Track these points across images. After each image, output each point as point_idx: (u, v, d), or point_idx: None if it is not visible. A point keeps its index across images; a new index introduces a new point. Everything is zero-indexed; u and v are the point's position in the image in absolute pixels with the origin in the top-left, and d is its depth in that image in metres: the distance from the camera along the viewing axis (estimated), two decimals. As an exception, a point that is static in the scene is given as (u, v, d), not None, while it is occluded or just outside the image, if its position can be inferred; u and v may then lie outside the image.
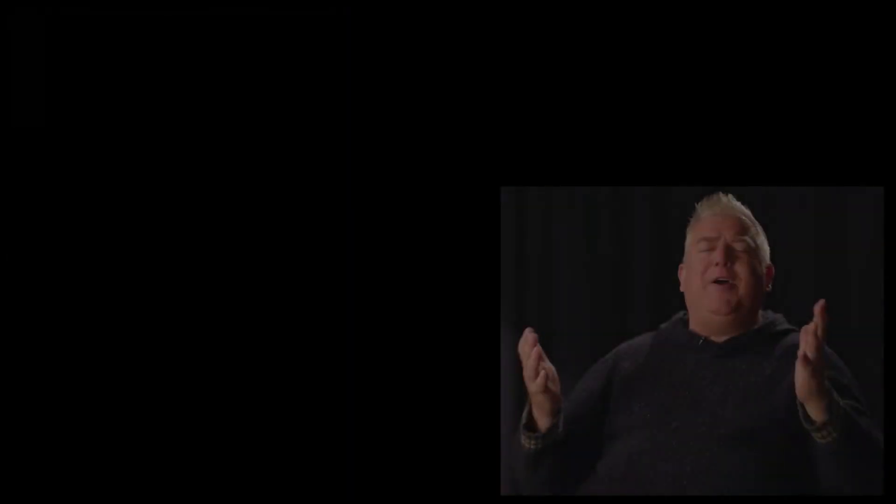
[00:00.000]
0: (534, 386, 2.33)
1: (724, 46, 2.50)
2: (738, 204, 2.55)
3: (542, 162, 2.53)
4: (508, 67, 2.51)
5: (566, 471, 2.44)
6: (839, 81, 2.49)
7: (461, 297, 2.50)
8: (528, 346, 2.33)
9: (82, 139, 2.49)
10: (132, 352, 2.51)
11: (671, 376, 2.46)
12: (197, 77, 2.48)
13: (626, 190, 3.26)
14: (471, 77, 2.51)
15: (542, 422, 2.39)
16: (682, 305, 2.57)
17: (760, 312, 2.53)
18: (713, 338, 2.48)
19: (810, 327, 2.18)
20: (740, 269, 2.46)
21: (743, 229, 2.50)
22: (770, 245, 3.08)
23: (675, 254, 2.60)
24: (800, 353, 2.17)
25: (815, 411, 2.19)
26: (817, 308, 2.18)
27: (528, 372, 2.34)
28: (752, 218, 2.54)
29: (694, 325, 2.51)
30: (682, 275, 2.56)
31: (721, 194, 2.55)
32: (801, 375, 2.17)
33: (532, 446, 2.39)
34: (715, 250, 2.47)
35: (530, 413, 2.39)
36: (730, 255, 2.47)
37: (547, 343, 3.30)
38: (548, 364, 2.34)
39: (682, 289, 2.55)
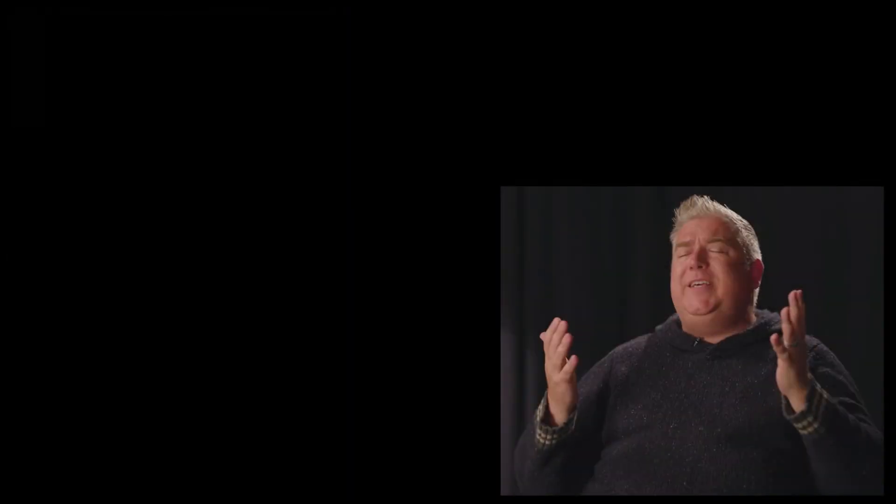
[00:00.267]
0: (558, 375, 2.34)
1: (725, 46, 2.50)
2: (715, 205, 2.55)
3: (542, 162, 2.53)
4: (508, 67, 2.51)
5: (570, 472, 2.44)
6: (839, 81, 2.49)
7: (460, 297, 2.50)
8: (558, 334, 2.34)
9: (82, 139, 2.49)
10: (132, 352, 2.51)
11: (668, 378, 2.46)
12: (197, 77, 2.48)
13: (626, 190, 3.26)
14: (471, 77, 2.51)
15: (560, 416, 2.39)
16: None
17: (755, 311, 2.53)
18: (708, 339, 2.49)
19: (783, 313, 2.18)
20: (716, 268, 2.48)
21: (718, 230, 2.51)
22: (770, 245, 3.07)
23: (675, 254, 2.61)
24: (773, 337, 2.18)
25: (794, 401, 2.21)
26: (791, 296, 2.19)
27: (555, 360, 2.35)
28: (733, 216, 2.55)
29: (685, 328, 2.52)
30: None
31: (696, 196, 2.57)
32: (778, 363, 2.19)
33: (547, 442, 2.39)
34: (690, 255, 2.49)
35: (547, 407, 2.40)
36: (703, 258, 2.49)
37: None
38: (572, 356, 2.35)
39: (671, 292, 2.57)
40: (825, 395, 2.22)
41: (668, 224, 2.62)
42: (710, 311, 2.46)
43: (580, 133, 2.52)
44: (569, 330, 2.84)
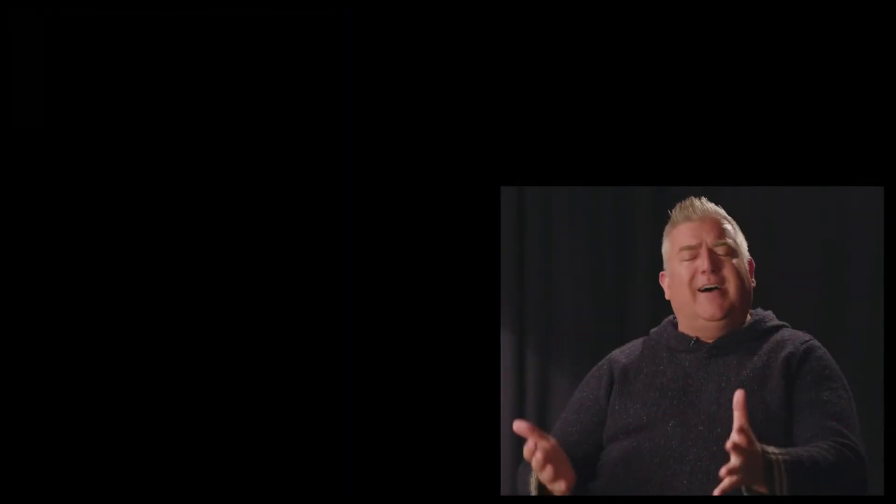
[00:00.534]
0: (544, 475, 2.28)
1: (725, 46, 2.50)
2: (712, 205, 2.54)
3: (542, 162, 2.53)
4: (508, 67, 2.51)
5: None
6: (839, 81, 2.49)
7: (460, 297, 2.50)
8: (537, 458, 2.25)
9: (82, 139, 2.49)
10: (132, 351, 2.51)
11: (665, 377, 2.46)
12: (197, 77, 2.48)
13: (626, 190, 3.26)
14: (471, 77, 2.51)
15: (556, 487, 2.33)
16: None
17: (749, 310, 2.53)
18: (704, 338, 2.49)
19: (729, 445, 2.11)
20: (727, 272, 2.47)
21: (721, 231, 2.50)
22: (769, 245, 3.08)
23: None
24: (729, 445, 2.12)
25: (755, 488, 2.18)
26: (733, 437, 2.11)
27: (545, 477, 2.28)
28: (726, 215, 2.54)
29: (685, 330, 2.52)
30: (665, 282, 2.56)
31: (693, 198, 2.55)
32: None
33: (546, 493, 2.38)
34: (698, 258, 2.47)
35: (539, 483, 2.36)
36: (715, 261, 2.47)
37: (547, 343, 3.31)
38: (546, 443, 2.27)
39: (667, 297, 2.55)
40: (780, 459, 2.18)
41: (667, 224, 2.61)
42: (725, 317, 2.45)
43: (580, 133, 2.52)
44: (567, 330, 2.85)
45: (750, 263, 2.53)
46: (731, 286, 2.46)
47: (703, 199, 2.54)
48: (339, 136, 2.51)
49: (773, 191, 3.20)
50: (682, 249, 2.50)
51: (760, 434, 2.29)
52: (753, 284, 2.53)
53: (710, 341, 2.47)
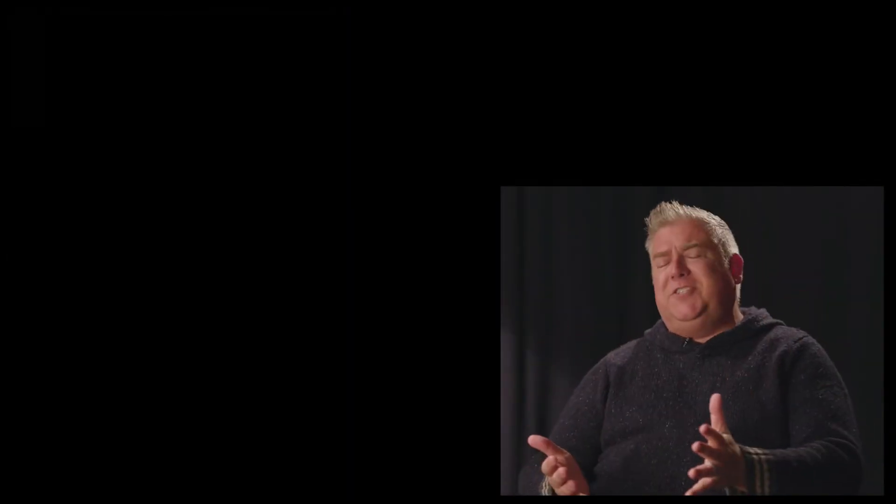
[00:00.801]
0: (564, 489, 2.30)
1: (725, 46, 2.50)
2: (685, 208, 2.55)
3: (542, 162, 2.53)
4: (508, 67, 2.51)
5: None
6: (839, 81, 2.49)
7: (461, 298, 2.50)
8: (559, 475, 2.27)
9: (82, 139, 2.49)
10: (132, 351, 2.51)
11: (660, 379, 2.47)
12: (197, 77, 2.47)
13: (626, 190, 3.26)
14: (471, 77, 2.51)
15: (566, 490, 2.35)
16: None
17: (741, 308, 2.53)
18: (696, 339, 2.49)
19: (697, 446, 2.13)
20: (698, 272, 2.48)
21: (693, 233, 2.51)
22: (770, 245, 3.07)
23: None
24: (695, 446, 2.13)
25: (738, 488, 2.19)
26: (705, 429, 2.13)
27: (565, 490, 2.30)
28: (705, 216, 2.54)
29: (673, 331, 2.52)
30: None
31: (665, 203, 2.56)
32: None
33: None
34: (670, 263, 2.49)
35: (552, 488, 2.37)
36: (683, 265, 2.49)
37: (546, 343, 3.31)
38: (563, 457, 2.29)
39: (656, 300, 2.56)
40: (763, 459, 2.19)
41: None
42: (698, 315, 2.47)
43: (580, 133, 2.52)
44: (568, 330, 2.84)
45: (735, 261, 2.53)
46: (703, 286, 2.47)
47: (675, 203, 2.55)
48: (339, 136, 2.51)
49: (773, 191, 3.20)
50: (656, 256, 2.54)
51: (757, 434, 2.29)
52: (739, 281, 2.53)
53: (703, 341, 2.48)
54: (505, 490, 2.84)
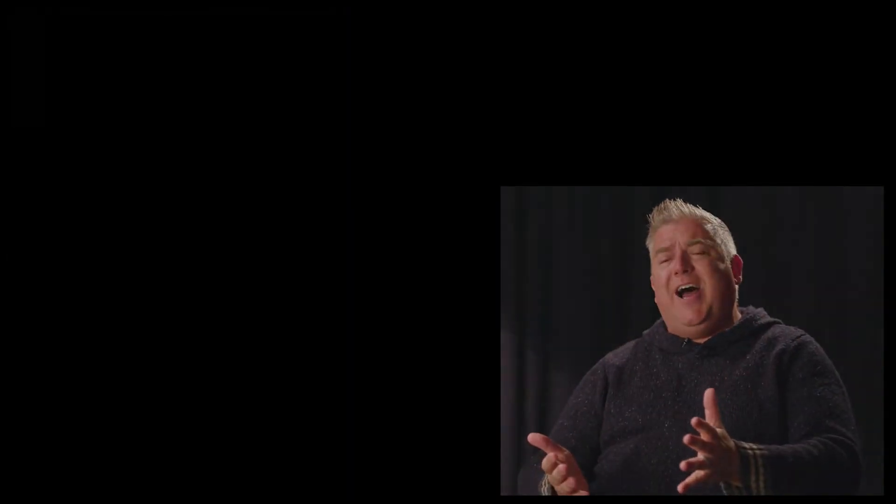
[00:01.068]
0: (564, 487, 2.30)
1: (725, 46, 2.50)
2: (689, 207, 2.54)
3: (542, 162, 2.53)
4: (508, 67, 2.51)
5: None
6: (839, 81, 2.49)
7: (460, 298, 2.50)
8: (559, 471, 2.27)
9: (82, 139, 2.49)
10: (132, 351, 2.51)
11: (659, 379, 2.47)
12: (197, 77, 2.47)
13: (626, 190, 3.26)
14: (471, 77, 2.51)
15: (566, 488, 2.35)
16: None
17: (740, 308, 2.53)
18: (695, 339, 2.49)
19: (691, 440, 2.13)
20: (701, 271, 2.47)
21: (696, 231, 2.50)
22: (769, 245, 3.07)
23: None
24: (686, 438, 2.13)
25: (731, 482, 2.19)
26: (699, 424, 2.13)
27: (566, 488, 2.30)
28: (707, 216, 2.54)
29: (673, 331, 2.52)
30: (653, 286, 2.57)
31: (668, 201, 2.55)
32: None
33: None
34: (673, 259, 2.48)
35: (553, 490, 2.37)
36: (687, 261, 2.48)
37: (546, 343, 3.31)
38: (563, 454, 2.29)
39: (656, 300, 2.56)
40: (758, 454, 2.19)
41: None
42: (703, 321, 2.46)
43: (580, 133, 2.52)
44: (568, 330, 2.84)
45: (736, 262, 2.53)
46: (707, 286, 2.47)
47: (679, 202, 2.55)
48: (339, 136, 2.51)
49: (773, 190, 3.20)
50: (658, 252, 2.53)
51: (756, 432, 2.29)
52: (739, 282, 2.53)
53: (702, 341, 2.48)
54: (505, 490, 2.84)
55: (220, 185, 2.52)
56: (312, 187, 2.51)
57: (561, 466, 2.26)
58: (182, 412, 2.50)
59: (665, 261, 2.50)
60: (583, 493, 2.29)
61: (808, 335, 2.47)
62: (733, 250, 2.55)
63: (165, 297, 2.52)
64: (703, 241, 2.49)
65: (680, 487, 2.12)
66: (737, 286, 2.53)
